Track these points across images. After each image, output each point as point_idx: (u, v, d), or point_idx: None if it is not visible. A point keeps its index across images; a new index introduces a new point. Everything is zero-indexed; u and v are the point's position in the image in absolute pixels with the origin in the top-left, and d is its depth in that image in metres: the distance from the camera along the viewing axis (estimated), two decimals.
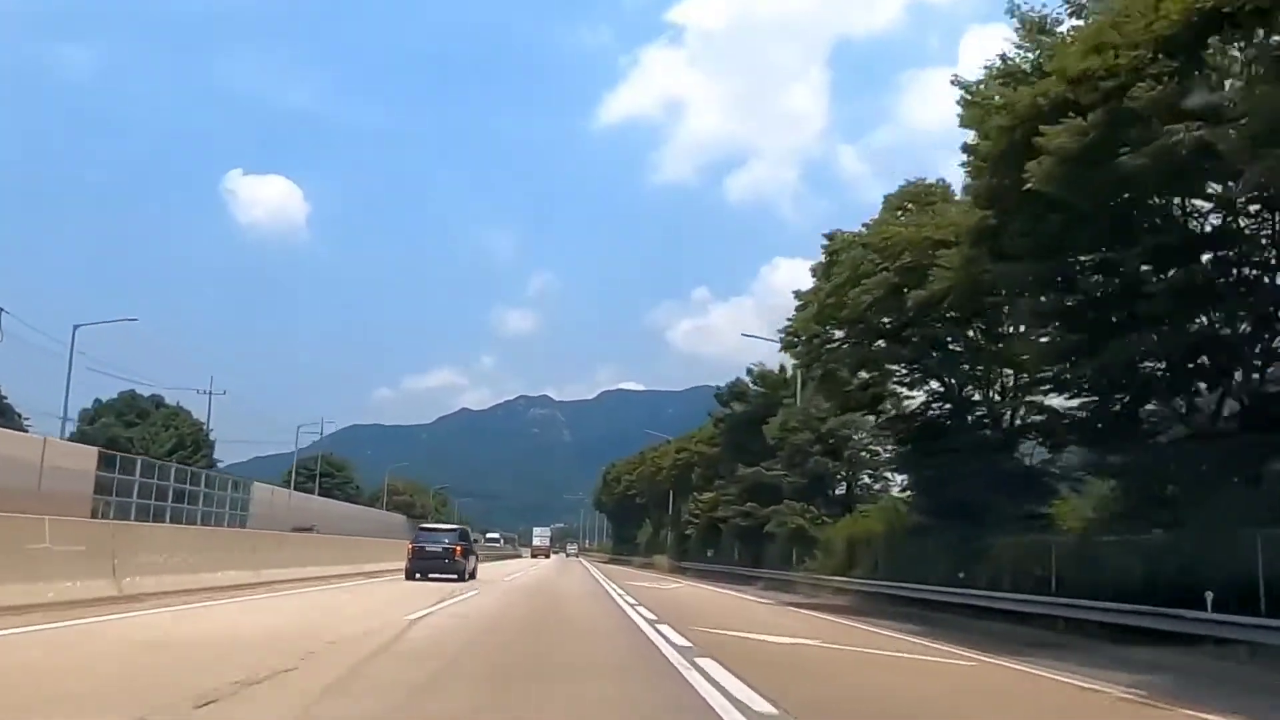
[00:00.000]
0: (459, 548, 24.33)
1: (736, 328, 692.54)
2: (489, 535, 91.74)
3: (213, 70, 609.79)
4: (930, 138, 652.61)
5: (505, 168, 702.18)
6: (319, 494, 70.99)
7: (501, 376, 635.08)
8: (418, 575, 23.04)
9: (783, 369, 40.70)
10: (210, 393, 60.35)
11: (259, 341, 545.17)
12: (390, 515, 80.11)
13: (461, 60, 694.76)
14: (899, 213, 22.34)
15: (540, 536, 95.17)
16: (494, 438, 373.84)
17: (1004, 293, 17.37)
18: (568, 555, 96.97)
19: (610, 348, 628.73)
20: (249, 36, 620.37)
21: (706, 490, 50.72)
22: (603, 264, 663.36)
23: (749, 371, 45.29)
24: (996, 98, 15.59)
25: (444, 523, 57.70)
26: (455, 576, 23.44)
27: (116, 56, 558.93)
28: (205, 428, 63.01)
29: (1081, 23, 14.35)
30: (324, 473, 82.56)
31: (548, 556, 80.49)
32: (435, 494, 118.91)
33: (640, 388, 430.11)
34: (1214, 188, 13.75)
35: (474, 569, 26.15)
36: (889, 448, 29.79)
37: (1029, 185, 13.18)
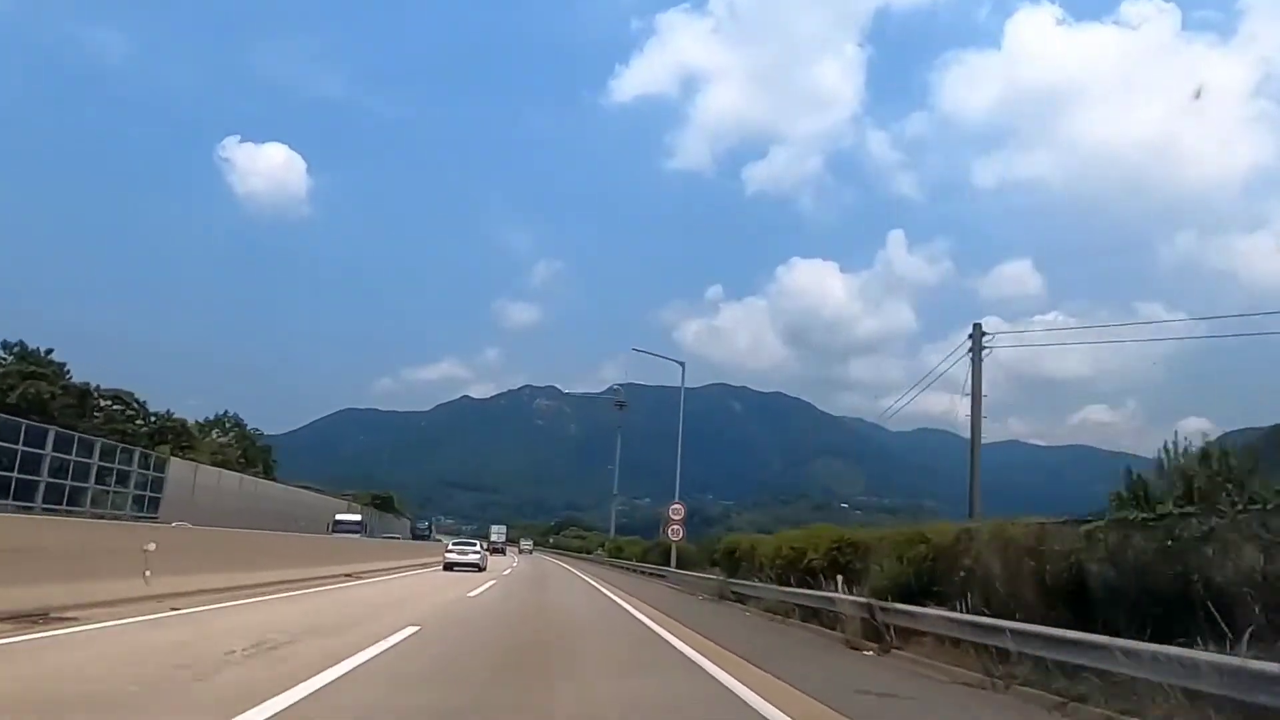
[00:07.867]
0: None
1: (748, 329, 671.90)
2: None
3: (242, 55, 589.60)
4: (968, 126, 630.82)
5: (516, 157, 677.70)
6: None
7: (506, 371, 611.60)
8: None
9: None
10: None
11: (255, 323, 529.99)
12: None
13: (468, 42, 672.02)
14: None
15: (497, 533, 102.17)
16: (496, 427, 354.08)
17: None
18: (521, 551, 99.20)
19: (617, 346, 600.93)
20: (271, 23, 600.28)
21: None
22: (612, 259, 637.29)
23: None
24: None
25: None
26: None
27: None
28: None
29: None
30: None
31: (503, 554, 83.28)
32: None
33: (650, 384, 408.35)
34: None
35: None
36: None
37: None
